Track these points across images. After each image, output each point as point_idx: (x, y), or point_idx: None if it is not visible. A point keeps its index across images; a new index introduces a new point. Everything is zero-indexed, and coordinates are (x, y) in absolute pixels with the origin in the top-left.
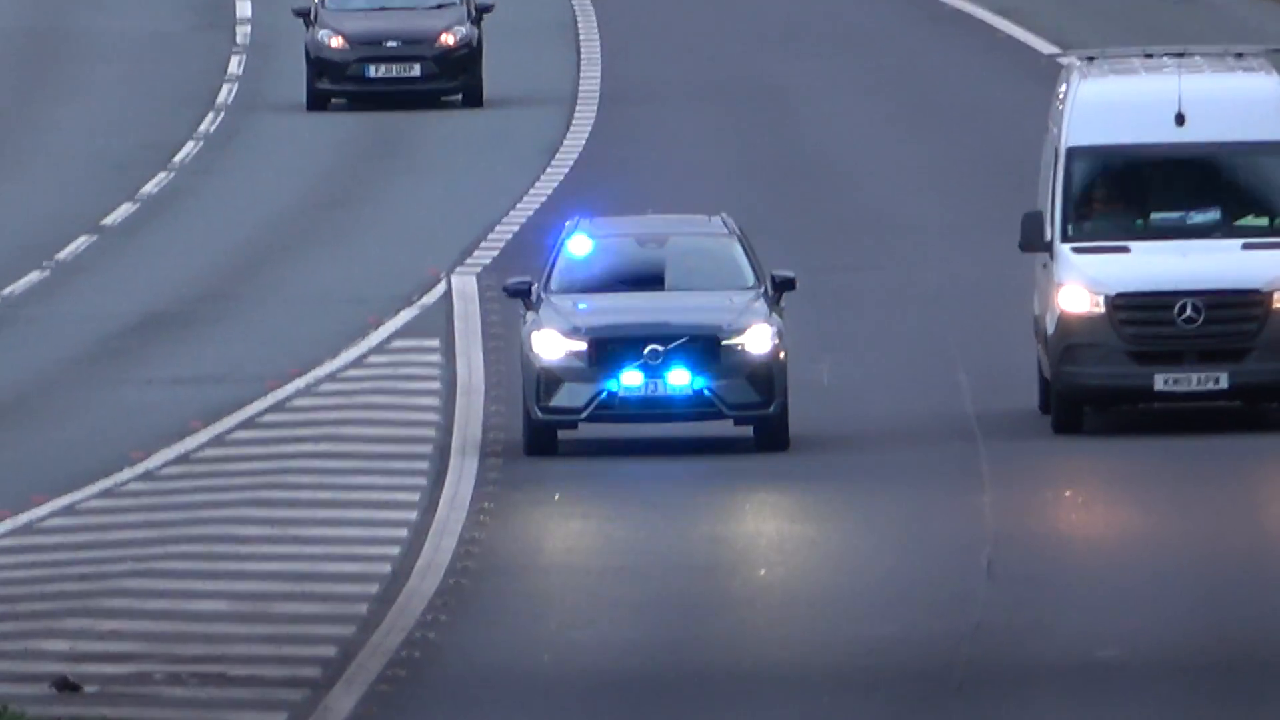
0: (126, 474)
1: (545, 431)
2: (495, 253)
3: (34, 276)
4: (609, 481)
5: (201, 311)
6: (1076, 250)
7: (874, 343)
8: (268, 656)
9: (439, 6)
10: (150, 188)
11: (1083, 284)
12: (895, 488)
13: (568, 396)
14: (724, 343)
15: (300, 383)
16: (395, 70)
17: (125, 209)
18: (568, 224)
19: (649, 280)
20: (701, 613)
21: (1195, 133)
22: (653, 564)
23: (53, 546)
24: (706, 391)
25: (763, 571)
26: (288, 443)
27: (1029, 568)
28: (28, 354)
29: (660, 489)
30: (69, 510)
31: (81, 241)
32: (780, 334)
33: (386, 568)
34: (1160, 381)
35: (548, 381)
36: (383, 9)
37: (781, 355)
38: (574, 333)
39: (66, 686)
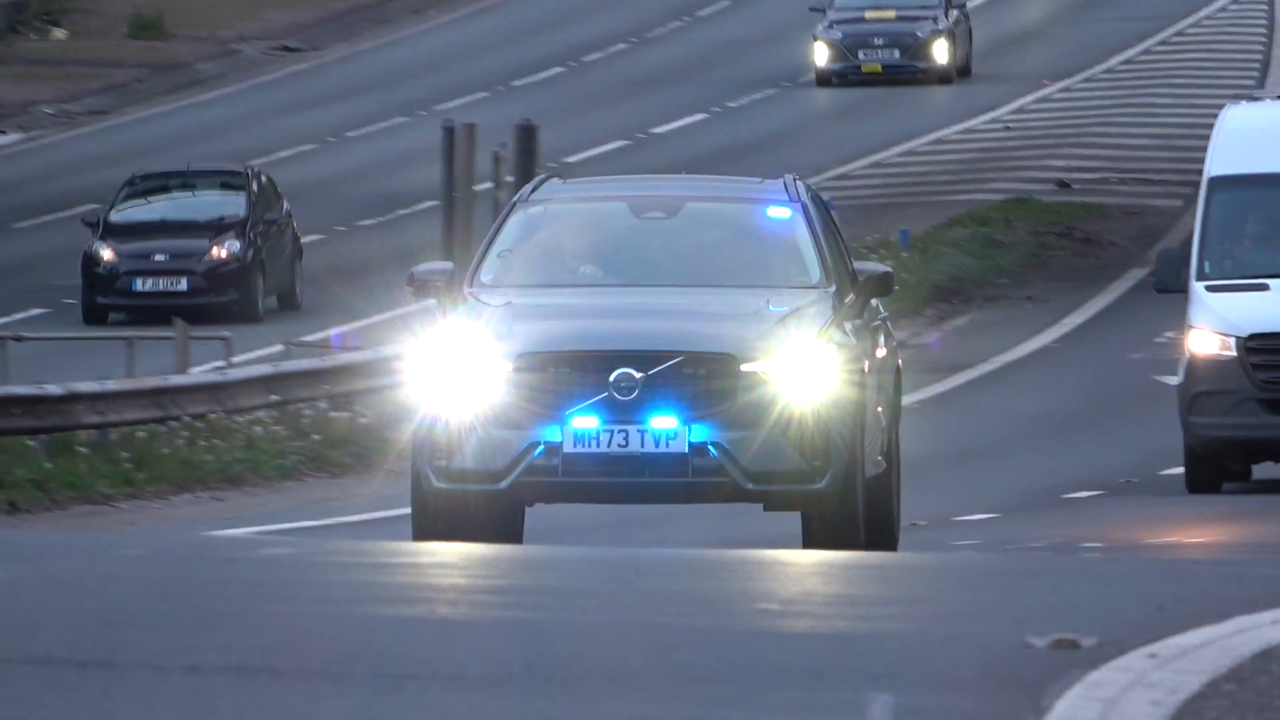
0: None
1: (442, 510)
2: None
3: None
4: None
5: None
6: (1210, 289)
7: None
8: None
9: (219, 219)
10: None
11: (1213, 325)
12: None
13: (480, 453)
14: (744, 369)
15: None
16: (162, 284)
17: None
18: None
19: (642, 270)
20: None
21: None
22: None
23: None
24: (712, 448)
25: None
26: None
27: None
28: None
29: None
30: None
31: None
32: (855, 360)
33: None
34: None
35: (451, 428)
36: (162, 221)
37: (846, 394)
38: (496, 348)
39: (1064, 185)
